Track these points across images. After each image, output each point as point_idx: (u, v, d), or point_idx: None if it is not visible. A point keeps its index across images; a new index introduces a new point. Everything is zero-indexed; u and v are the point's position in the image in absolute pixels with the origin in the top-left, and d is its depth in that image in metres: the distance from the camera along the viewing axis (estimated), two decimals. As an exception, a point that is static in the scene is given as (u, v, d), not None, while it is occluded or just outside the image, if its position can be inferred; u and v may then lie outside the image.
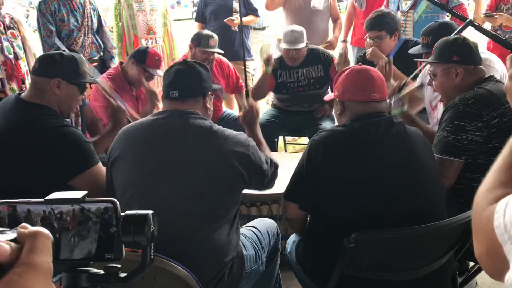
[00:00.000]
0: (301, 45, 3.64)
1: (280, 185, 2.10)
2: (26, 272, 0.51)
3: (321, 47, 4.12)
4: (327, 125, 3.65)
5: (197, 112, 1.88)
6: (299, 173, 1.87)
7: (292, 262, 2.06)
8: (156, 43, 4.58)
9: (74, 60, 2.18)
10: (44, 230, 0.55)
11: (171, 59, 4.65)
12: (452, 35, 2.41)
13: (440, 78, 2.31)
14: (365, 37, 3.53)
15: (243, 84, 3.97)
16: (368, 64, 3.30)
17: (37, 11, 3.93)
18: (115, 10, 4.56)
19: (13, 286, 0.50)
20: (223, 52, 3.83)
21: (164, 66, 4.41)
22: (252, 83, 4.71)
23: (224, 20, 4.56)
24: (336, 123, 2.14)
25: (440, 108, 2.61)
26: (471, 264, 2.43)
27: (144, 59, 3.27)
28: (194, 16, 5.32)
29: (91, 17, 3.97)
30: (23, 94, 2.16)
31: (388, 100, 2.09)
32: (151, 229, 0.72)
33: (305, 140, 4.65)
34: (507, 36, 4.06)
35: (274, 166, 2.01)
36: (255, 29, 5.13)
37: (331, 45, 4.74)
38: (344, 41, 4.95)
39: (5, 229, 0.58)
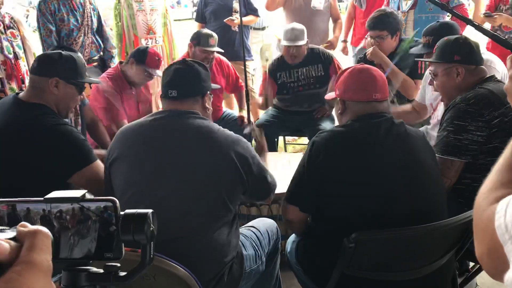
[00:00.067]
0: (302, 42, 3.64)
1: (280, 185, 2.10)
2: (26, 270, 0.51)
3: (321, 47, 4.12)
4: (327, 125, 3.65)
5: (196, 112, 1.88)
6: (300, 176, 1.86)
7: (292, 262, 2.06)
8: (156, 43, 4.58)
9: (73, 60, 2.18)
10: (44, 229, 0.55)
11: (171, 59, 4.65)
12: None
13: (441, 77, 2.31)
14: (366, 36, 3.52)
15: (243, 84, 3.97)
16: (369, 64, 3.31)
17: (37, 10, 3.93)
18: (115, 10, 4.55)
19: (12, 284, 0.50)
20: (222, 51, 3.83)
21: (164, 66, 4.41)
22: (252, 83, 4.72)
23: (224, 20, 4.56)
24: (336, 123, 2.13)
25: (441, 108, 2.61)
26: (471, 264, 2.43)
27: (144, 59, 3.26)
28: (194, 16, 5.31)
29: (91, 17, 3.97)
30: (21, 94, 2.16)
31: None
32: (151, 228, 0.72)
33: (305, 140, 4.64)
34: (506, 37, 4.06)
35: (272, 178, 2.00)
36: (255, 29, 5.13)
37: (332, 45, 4.74)
38: (345, 41, 4.95)
39: (4, 227, 0.57)
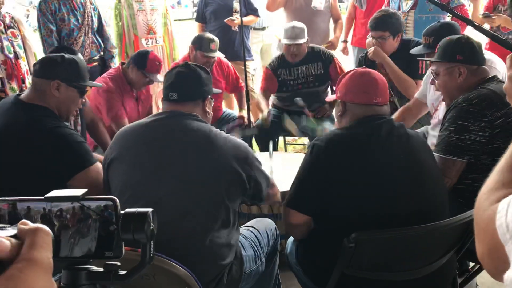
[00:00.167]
0: (302, 41, 3.64)
1: (280, 185, 2.10)
2: (27, 268, 0.51)
3: (322, 47, 4.12)
4: (327, 125, 3.65)
5: (196, 114, 1.88)
6: (301, 179, 1.85)
7: (292, 262, 2.06)
8: (156, 43, 4.58)
9: (75, 63, 2.18)
10: (44, 227, 0.55)
11: (171, 59, 4.65)
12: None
13: (443, 77, 2.30)
14: (368, 37, 3.52)
15: (243, 84, 3.97)
16: (369, 64, 3.32)
17: (37, 10, 3.93)
18: (115, 10, 4.55)
19: (13, 281, 0.50)
20: (223, 56, 3.83)
21: (165, 66, 4.41)
22: (252, 83, 4.72)
23: (224, 20, 4.56)
24: (336, 124, 2.13)
25: (442, 108, 2.61)
26: (471, 264, 2.43)
27: (144, 64, 3.26)
28: (195, 16, 5.31)
29: (91, 16, 3.97)
30: (22, 95, 2.16)
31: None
32: (151, 227, 0.72)
33: (305, 140, 4.64)
34: (505, 38, 4.06)
35: (270, 182, 2.00)
36: (255, 29, 5.13)
37: (332, 45, 4.74)
38: (345, 41, 4.95)
39: (5, 225, 0.58)
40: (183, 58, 3.82)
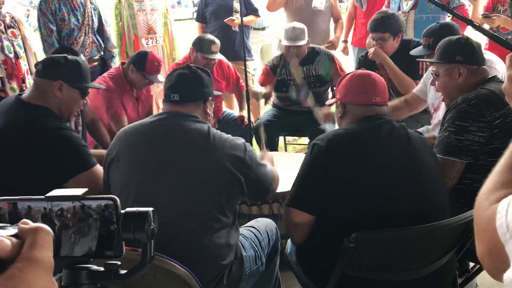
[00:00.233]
0: (302, 42, 3.64)
1: (281, 185, 2.10)
2: (27, 267, 0.51)
3: (322, 47, 4.12)
4: (327, 125, 3.64)
5: (196, 115, 1.89)
6: (302, 179, 1.85)
7: (292, 262, 2.06)
8: (157, 43, 4.58)
9: (78, 64, 2.19)
10: (45, 226, 0.55)
11: (172, 59, 4.65)
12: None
13: (443, 78, 2.31)
14: (368, 38, 3.52)
15: (243, 84, 3.97)
16: (370, 64, 3.32)
17: (37, 10, 3.93)
18: (115, 10, 4.55)
19: (14, 280, 0.50)
20: (224, 58, 3.83)
21: (165, 66, 4.41)
22: (252, 83, 4.72)
23: (225, 20, 4.56)
24: (337, 125, 2.13)
25: (442, 109, 2.61)
26: (471, 264, 2.43)
27: (144, 66, 3.26)
28: (195, 16, 5.31)
29: (91, 16, 3.97)
30: (23, 95, 2.16)
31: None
32: (151, 226, 0.73)
33: (305, 140, 4.64)
34: (504, 38, 4.05)
35: (273, 176, 1.99)
36: (255, 29, 5.13)
37: (333, 45, 4.74)
38: (345, 41, 4.95)
39: (6, 224, 0.58)
40: (183, 58, 3.82)
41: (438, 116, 2.71)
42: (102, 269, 0.73)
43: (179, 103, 1.90)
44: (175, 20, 5.33)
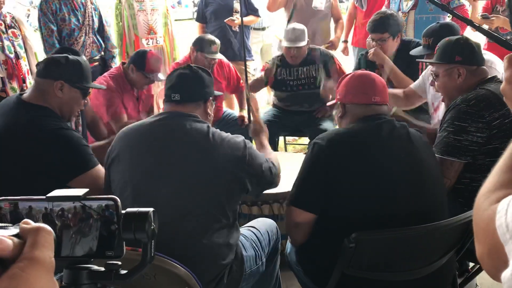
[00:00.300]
0: (302, 44, 3.64)
1: (281, 185, 2.10)
2: (29, 267, 0.51)
3: (322, 47, 4.12)
4: (327, 125, 3.65)
5: (196, 115, 1.89)
6: (303, 178, 1.85)
7: (292, 262, 2.06)
8: (157, 43, 4.58)
9: (79, 64, 2.19)
10: (46, 226, 0.55)
11: (172, 59, 4.65)
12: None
13: (442, 78, 2.31)
14: (368, 38, 3.52)
15: (244, 84, 3.98)
16: (370, 64, 3.32)
17: (38, 10, 3.93)
18: (115, 10, 4.56)
19: (16, 280, 0.50)
20: (224, 58, 3.83)
21: (165, 66, 4.41)
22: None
23: (225, 20, 4.56)
24: (337, 125, 2.13)
25: (442, 109, 2.61)
26: (471, 264, 2.43)
27: (144, 65, 3.25)
28: (195, 16, 5.32)
29: (92, 16, 3.97)
30: (24, 95, 2.16)
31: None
32: (152, 227, 0.73)
33: (305, 140, 4.64)
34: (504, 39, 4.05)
35: (273, 165, 2.00)
36: (255, 29, 5.13)
37: (333, 45, 4.74)
38: (345, 41, 4.95)
39: (7, 224, 0.58)
40: (184, 58, 3.82)
41: (438, 116, 2.71)
42: (102, 269, 0.73)
43: (179, 103, 1.91)
44: (176, 20, 5.33)
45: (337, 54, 4.30)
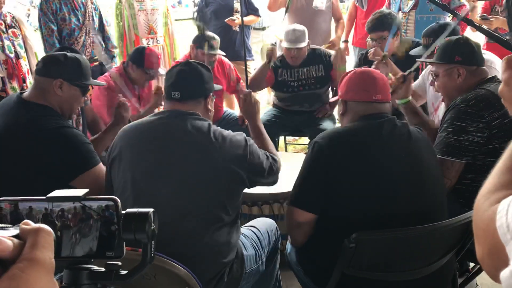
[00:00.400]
0: (303, 45, 3.64)
1: (281, 185, 2.10)
2: (29, 267, 0.51)
3: (323, 47, 4.11)
4: (327, 125, 3.65)
5: (197, 113, 1.88)
6: (303, 178, 1.85)
7: (292, 262, 2.06)
8: (157, 43, 4.58)
9: (78, 62, 2.19)
10: (46, 227, 0.55)
11: (172, 59, 4.65)
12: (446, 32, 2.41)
13: (442, 78, 2.31)
14: (367, 39, 3.52)
15: (244, 84, 3.97)
16: (370, 64, 3.32)
17: (38, 10, 3.94)
18: (116, 10, 4.56)
19: (16, 281, 0.50)
20: (224, 54, 3.83)
21: (166, 66, 4.41)
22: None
23: (225, 20, 4.56)
24: (337, 123, 2.14)
25: (442, 109, 2.61)
26: (472, 265, 2.43)
27: (142, 61, 3.26)
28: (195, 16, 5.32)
29: (92, 16, 3.98)
30: (24, 94, 2.15)
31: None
32: (152, 227, 0.73)
33: (305, 140, 4.65)
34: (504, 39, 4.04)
35: (275, 161, 2.00)
36: (255, 29, 5.14)
37: (334, 45, 4.72)
38: (346, 41, 4.95)
39: (7, 225, 0.58)
40: (184, 57, 3.82)
41: (438, 116, 2.71)
42: (102, 269, 0.73)
43: (179, 100, 1.90)
44: (176, 20, 5.32)
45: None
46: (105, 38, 4.11)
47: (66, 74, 2.13)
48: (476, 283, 2.45)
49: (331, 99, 2.41)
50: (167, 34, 4.69)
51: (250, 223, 2.20)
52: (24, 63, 3.70)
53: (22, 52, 3.69)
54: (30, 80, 3.71)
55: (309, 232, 1.88)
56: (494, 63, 2.69)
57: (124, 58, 4.37)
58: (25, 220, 0.56)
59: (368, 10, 4.58)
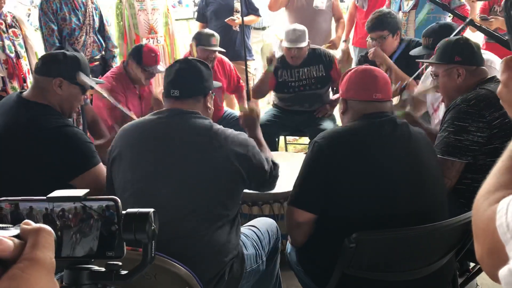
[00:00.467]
0: (303, 44, 3.63)
1: (281, 185, 2.10)
2: (29, 267, 0.52)
3: (323, 47, 4.11)
4: (327, 125, 3.65)
5: (197, 112, 1.88)
6: (303, 177, 1.85)
7: (292, 262, 2.06)
8: (158, 42, 4.58)
9: (77, 60, 2.18)
10: (47, 227, 0.55)
11: (173, 59, 4.64)
12: (453, 35, 2.42)
13: (442, 78, 2.31)
14: (367, 38, 3.52)
15: (243, 84, 3.97)
16: (370, 64, 3.32)
17: (39, 9, 3.93)
18: (116, 9, 4.56)
19: (16, 281, 0.50)
20: (224, 50, 3.83)
21: (166, 66, 4.41)
22: (253, 83, 4.72)
23: (225, 20, 4.56)
24: (337, 123, 2.14)
25: (442, 109, 2.61)
26: (472, 265, 2.43)
27: (141, 58, 3.27)
28: (195, 15, 5.31)
29: (92, 16, 3.97)
30: (24, 93, 2.15)
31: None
32: (152, 227, 0.73)
33: (306, 140, 4.64)
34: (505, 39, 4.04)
35: (275, 167, 2.00)
36: (255, 28, 5.13)
37: (334, 45, 4.73)
38: (346, 41, 4.94)
39: (8, 225, 0.58)
40: (184, 56, 3.82)
41: (438, 116, 2.71)
42: (103, 269, 0.73)
43: (179, 98, 1.89)
44: (176, 19, 5.33)
45: (338, 54, 4.29)
46: (106, 37, 4.11)
47: (66, 72, 2.13)
48: (477, 283, 2.45)
49: (333, 97, 2.41)
50: (167, 34, 4.69)
51: (251, 222, 2.20)
52: (24, 63, 3.70)
53: (22, 51, 3.69)
54: (30, 80, 3.70)
55: (308, 232, 1.88)
56: (494, 62, 2.69)
57: (125, 57, 4.37)
58: (26, 220, 0.56)
59: (368, 10, 4.57)
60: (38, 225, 0.56)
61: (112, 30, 4.39)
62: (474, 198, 0.86)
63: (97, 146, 2.21)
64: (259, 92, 3.91)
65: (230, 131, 1.86)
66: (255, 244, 2.02)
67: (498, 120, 2.07)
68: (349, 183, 1.76)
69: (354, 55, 4.93)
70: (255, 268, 1.98)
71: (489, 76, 2.27)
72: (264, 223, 2.18)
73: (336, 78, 3.62)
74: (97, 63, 4.02)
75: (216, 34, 3.66)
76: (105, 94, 2.88)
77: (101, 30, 4.09)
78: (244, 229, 2.08)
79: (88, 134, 3.01)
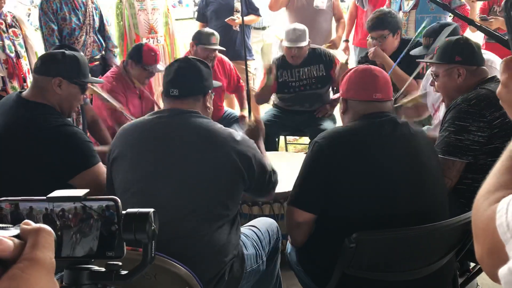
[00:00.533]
0: (303, 44, 3.63)
1: (281, 185, 2.10)
2: (29, 267, 0.52)
3: (323, 46, 4.11)
4: (328, 125, 3.65)
5: (197, 111, 1.88)
6: (303, 177, 1.85)
7: (292, 262, 2.06)
8: (158, 42, 4.59)
9: (76, 59, 2.18)
10: (47, 227, 0.55)
11: (173, 59, 4.64)
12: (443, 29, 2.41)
13: (442, 78, 2.31)
14: (368, 38, 3.52)
15: (243, 83, 3.97)
16: (370, 63, 3.32)
17: (39, 9, 3.94)
18: (116, 9, 4.56)
19: (16, 281, 0.50)
20: (224, 49, 3.83)
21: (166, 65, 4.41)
22: (253, 83, 4.72)
23: (226, 20, 4.56)
24: (338, 123, 2.13)
25: (442, 109, 2.61)
26: (472, 265, 2.43)
27: (140, 58, 3.27)
28: (196, 15, 5.32)
29: (93, 16, 3.97)
30: (24, 93, 2.15)
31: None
32: (152, 227, 0.73)
33: (306, 140, 4.64)
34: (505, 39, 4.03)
35: (274, 173, 2.00)
36: (255, 28, 5.13)
37: (334, 45, 4.73)
38: (346, 40, 4.95)
39: (8, 225, 0.58)
40: (184, 56, 3.82)
41: (439, 116, 2.71)
42: (103, 269, 0.73)
43: (178, 98, 1.89)
44: (176, 19, 5.33)
45: (338, 53, 4.30)
46: (106, 37, 4.11)
47: (65, 72, 2.13)
48: (477, 283, 2.45)
49: (333, 96, 2.41)
50: (167, 34, 4.69)
51: (251, 222, 2.20)
52: (24, 63, 3.70)
53: (22, 51, 3.69)
54: (30, 80, 3.71)
55: (308, 232, 1.88)
56: (495, 62, 2.69)
57: (125, 57, 4.37)
58: (26, 220, 0.56)
59: (369, 9, 4.58)
60: (38, 225, 0.55)
61: (112, 30, 4.39)
62: (475, 198, 0.86)
63: (100, 151, 2.21)
64: (261, 99, 3.92)
65: (231, 130, 1.86)
66: (255, 244, 2.02)
67: (498, 119, 2.07)
68: (349, 183, 1.76)
69: (354, 55, 4.94)
70: (255, 268, 1.98)
71: (489, 76, 2.27)
72: (264, 223, 2.18)
73: (337, 80, 3.62)
74: (97, 63, 4.02)
75: (216, 33, 3.66)
76: (106, 96, 2.88)
77: (101, 30, 4.09)
78: (244, 229, 2.08)
79: (88, 134, 3.01)
